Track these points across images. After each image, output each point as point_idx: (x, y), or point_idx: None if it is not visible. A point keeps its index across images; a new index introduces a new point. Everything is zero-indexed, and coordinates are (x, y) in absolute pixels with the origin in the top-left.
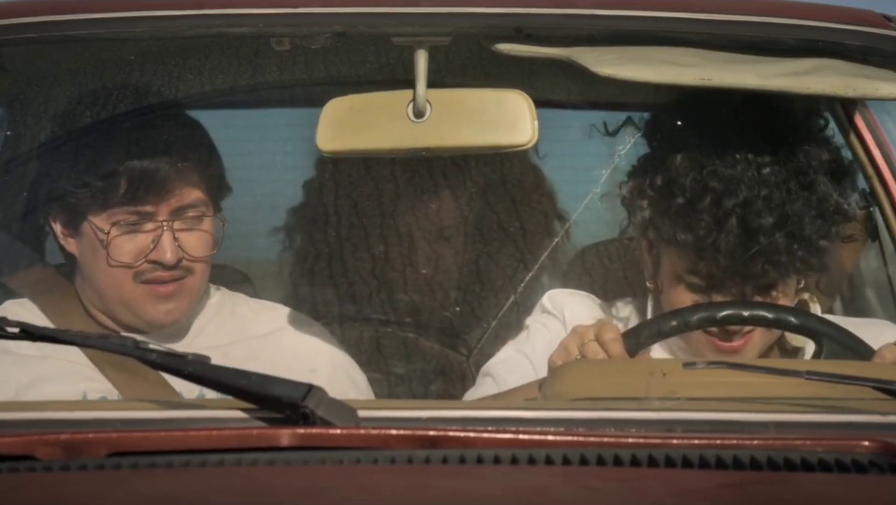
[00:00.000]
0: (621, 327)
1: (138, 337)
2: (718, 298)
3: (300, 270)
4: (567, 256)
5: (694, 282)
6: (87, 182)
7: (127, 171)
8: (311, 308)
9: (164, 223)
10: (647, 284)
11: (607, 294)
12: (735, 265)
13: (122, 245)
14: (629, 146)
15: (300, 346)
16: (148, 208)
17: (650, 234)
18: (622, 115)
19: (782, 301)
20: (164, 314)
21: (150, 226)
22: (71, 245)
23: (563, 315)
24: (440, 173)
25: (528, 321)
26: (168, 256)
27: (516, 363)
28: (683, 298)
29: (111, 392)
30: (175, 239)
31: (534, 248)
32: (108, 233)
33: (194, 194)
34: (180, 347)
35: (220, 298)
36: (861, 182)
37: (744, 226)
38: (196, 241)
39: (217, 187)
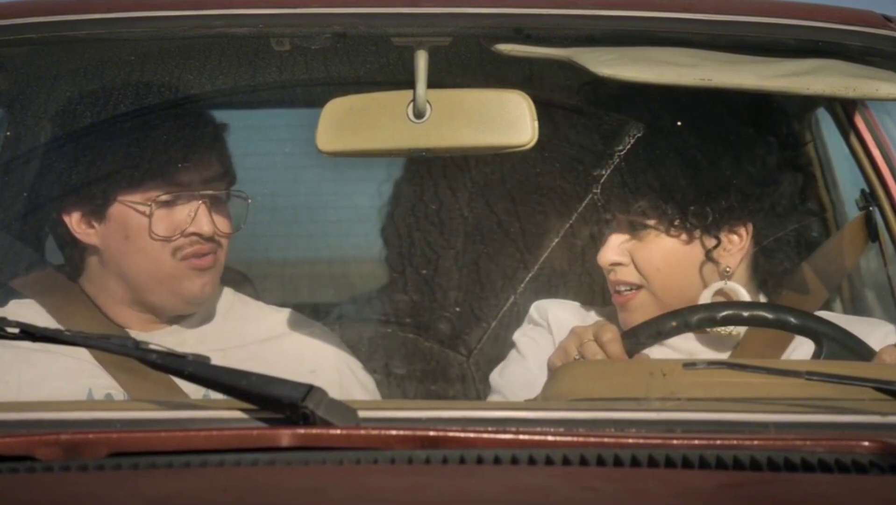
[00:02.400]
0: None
1: (138, 337)
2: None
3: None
4: (567, 256)
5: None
6: (113, 167)
7: (153, 151)
8: (312, 308)
9: (200, 196)
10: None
11: (607, 294)
12: (602, 191)
13: (161, 220)
14: (629, 146)
15: (307, 349)
16: (184, 183)
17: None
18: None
19: (664, 254)
20: (200, 288)
21: (186, 199)
22: (91, 236)
23: (548, 323)
24: (440, 173)
25: (515, 336)
26: (206, 227)
27: (519, 377)
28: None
29: (116, 389)
30: (209, 212)
31: (534, 248)
32: (151, 206)
33: (218, 171)
34: (185, 349)
35: (230, 300)
36: (861, 182)
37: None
38: (223, 216)
39: (230, 171)
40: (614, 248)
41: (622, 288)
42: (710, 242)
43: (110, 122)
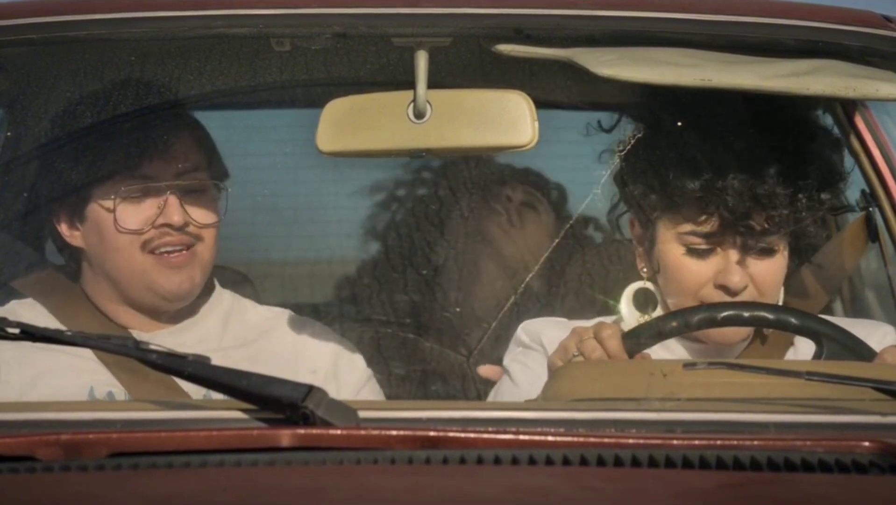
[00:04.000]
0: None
1: (139, 337)
2: (719, 255)
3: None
4: (566, 259)
5: (693, 242)
6: (94, 168)
7: (129, 146)
8: (312, 309)
9: (168, 187)
10: (642, 271)
11: (608, 296)
12: (738, 215)
13: (128, 214)
14: (629, 146)
15: (307, 350)
16: (151, 175)
17: (645, 204)
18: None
19: (775, 269)
20: (177, 285)
21: (154, 192)
22: (76, 238)
23: (541, 344)
24: (440, 173)
25: (505, 362)
26: (175, 217)
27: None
28: (685, 265)
29: (118, 387)
30: (180, 203)
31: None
32: (115, 200)
33: (194, 163)
34: (185, 349)
35: (229, 303)
36: (861, 182)
37: (748, 174)
38: (201, 208)
39: (215, 164)
40: (740, 272)
41: None
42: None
43: (109, 123)
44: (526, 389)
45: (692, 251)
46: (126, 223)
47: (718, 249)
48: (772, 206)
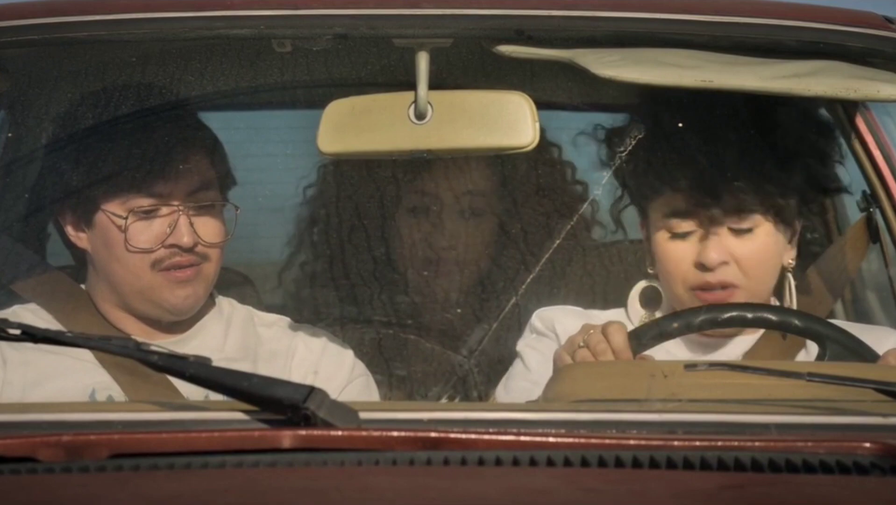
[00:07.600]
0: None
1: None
2: (698, 236)
3: (303, 272)
4: (568, 257)
5: (674, 226)
6: (101, 172)
7: (140, 158)
8: (312, 310)
9: (180, 207)
10: (648, 269)
11: (608, 296)
12: (705, 191)
13: (139, 232)
14: (630, 147)
15: (308, 351)
16: (164, 193)
17: (639, 199)
18: (622, 117)
19: (757, 248)
20: (182, 300)
21: (165, 211)
22: (83, 240)
23: (554, 331)
24: (441, 174)
25: (519, 347)
26: (185, 239)
27: (525, 391)
28: (670, 249)
29: (118, 390)
30: (191, 223)
31: (535, 248)
32: (127, 218)
33: (206, 180)
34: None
35: (229, 314)
36: (862, 183)
37: (708, 151)
38: (210, 227)
39: (225, 176)
40: (717, 249)
41: (717, 288)
42: (789, 235)
43: (111, 124)
44: (538, 375)
45: (674, 235)
46: (135, 241)
47: (696, 231)
48: (734, 184)
